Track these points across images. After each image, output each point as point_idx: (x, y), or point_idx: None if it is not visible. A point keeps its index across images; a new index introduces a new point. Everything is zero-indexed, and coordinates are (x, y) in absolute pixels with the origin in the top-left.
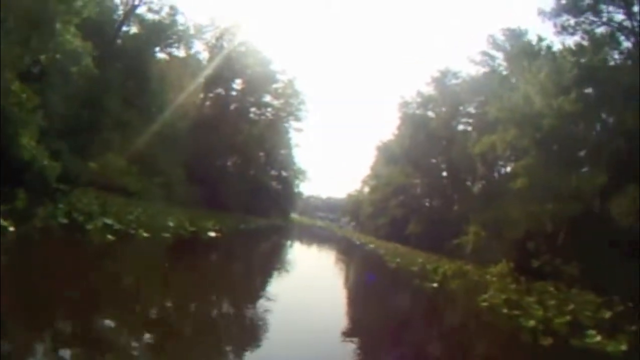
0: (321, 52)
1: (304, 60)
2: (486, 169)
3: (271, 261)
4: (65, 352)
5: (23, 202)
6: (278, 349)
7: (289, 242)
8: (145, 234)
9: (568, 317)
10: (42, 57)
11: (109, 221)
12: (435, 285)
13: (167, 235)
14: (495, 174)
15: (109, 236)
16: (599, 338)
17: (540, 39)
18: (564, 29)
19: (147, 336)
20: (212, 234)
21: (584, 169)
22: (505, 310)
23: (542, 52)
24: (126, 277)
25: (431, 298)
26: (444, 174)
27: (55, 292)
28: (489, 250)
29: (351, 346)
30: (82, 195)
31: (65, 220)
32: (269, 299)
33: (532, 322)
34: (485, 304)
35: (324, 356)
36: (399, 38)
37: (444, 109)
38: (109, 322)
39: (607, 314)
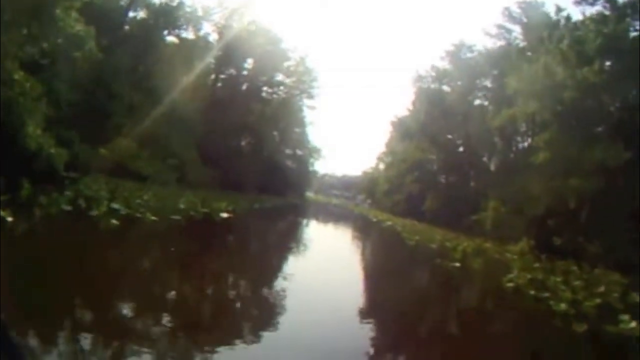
0: (334, 27)
1: (317, 37)
2: (504, 143)
3: (285, 241)
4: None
5: (28, 191)
6: (293, 331)
7: (304, 221)
8: (153, 218)
9: (598, 300)
10: (45, 45)
11: (116, 206)
12: (457, 264)
13: (176, 217)
14: (514, 149)
15: (113, 221)
16: (633, 324)
17: (559, 9)
18: None
19: (141, 325)
20: (225, 214)
21: (607, 143)
22: (532, 292)
23: (562, 23)
24: (122, 263)
25: (455, 278)
26: (461, 149)
27: (32, 284)
28: (508, 227)
29: (373, 330)
30: (92, 182)
31: (69, 208)
32: (283, 281)
33: (562, 306)
34: (510, 284)
35: (346, 342)
36: (414, 12)
37: (459, 83)
38: (91, 314)
39: (637, 297)
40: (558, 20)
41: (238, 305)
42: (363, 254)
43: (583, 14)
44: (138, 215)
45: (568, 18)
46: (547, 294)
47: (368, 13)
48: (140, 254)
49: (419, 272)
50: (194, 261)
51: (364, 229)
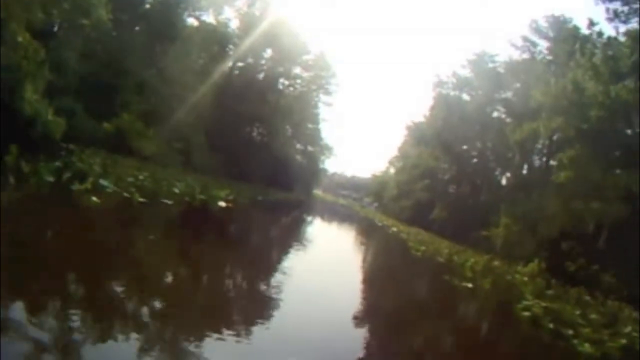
0: (352, 26)
1: (337, 34)
2: (522, 158)
3: (281, 240)
4: None
5: (13, 157)
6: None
7: (307, 219)
8: (140, 199)
9: (623, 341)
10: (55, 11)
11: (105, 182)
12: (468, 284)
13: (167, 202)
14: (532, 165)
15: (94, 198)
16: None
17: (592, 23)
18: (616, 16)
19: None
20: (223, 204)
21: (634, 168)
22: (551, 325)
23: (594, 37)
24: (65, 252)
25: (466, 301)
26: (474, 160)
27: None
28: (519, 246)
29: None
30: (89, 156)
31: (50, 179)
32: (266, 293)
33: (586, 346)
34: (527, 313)
35: None
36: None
37: (479, 92)
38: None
39: None
40: (589, 35)
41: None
42: (365, 263)
43: (616, 29)
44: (125, 194)
45: (600, 33)
46: (568, 331)
47: (389, 15)
48: (98, 242)
49: (426, 289)
50: (161, 260)
51: (368, 233)
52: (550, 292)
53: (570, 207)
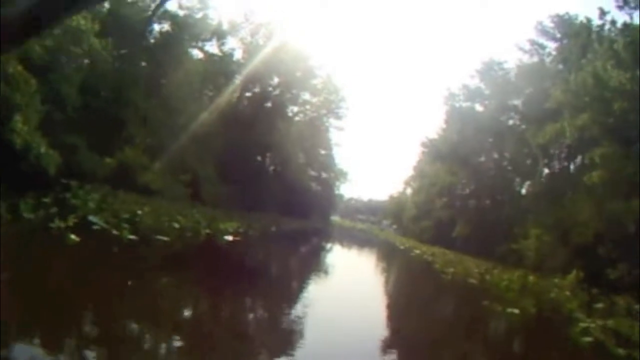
0: (361, 49)
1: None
2: (546, 164)
3: (292, 277)
4: None
5: None
6: None
7: (325, 247)
8: (130, 236)
9: None
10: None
11: (94, 219)
12: (514, 310)
13: (163, 238)
14: (557, 170)
15: (73, 236)
16: None
17: (603, 12)
18: (625, 3)
19: None
20: (230, 237)
21: None
22: (620, 351)
23: (606, 27)
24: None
25: (519, 333)
26: (493, 172)
27: None
28: (551, 257)
29: None
30: (90, 191)
31: (30, 216)
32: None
33: None
34: (587, 339)
35: None
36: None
37: (492, 101)
38: None
39: None
40: (602, 25)
41: None
42: (392, 294)
43: (630, 16)
44: (114, 232)
45: (613, 22)
46: None
47: (398, 35)
48: (36, 285)
49: (468, 322)
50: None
51: (391, 258)
52: (598, 305)
53: (606, 208)
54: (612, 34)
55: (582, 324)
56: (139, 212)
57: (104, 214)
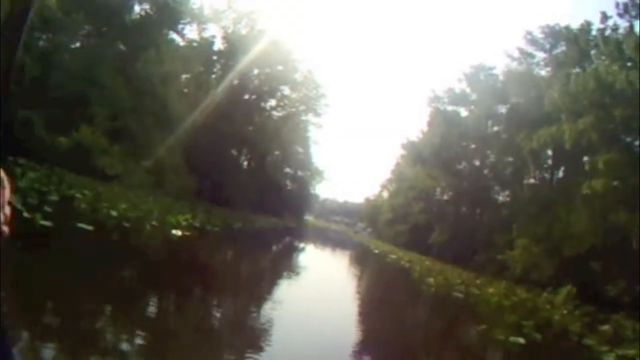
0: (340, 50)
1: (326, 55)
2: (536, 170)
3: (245, 287)
4: None
5: None
6: None
7: (293, 250)
8: (43, 222)
9: None
10: None
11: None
12: (519, 339)
13: (87, 227)
14: (547, 179)
15: None
16: None
17: (605, 16)
18: (626, 11)
19: None
20: (179, 232)
21: None
22: None
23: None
24: None
25: None
26: (474, 178)
27: None
28: (538, 269)
29: None
30: (31, 169)
31: None
32: None
33: None
34: None
35: None
36: (423, 34)
37: (478, 107)
38: None
39: None
40: (604, 29)
41: None
42: (365, 313)
43: (630, 24)
44: (25, 215)
45: (616, 27)
46: None
47: (378, 37)
48: None
49: None
50: None
51: (366, 263)
52: (604, 328)
53: (607, 219)
54: (618, 37)
55: (605, 358)
56: (78, 195)
57: (31, 194)
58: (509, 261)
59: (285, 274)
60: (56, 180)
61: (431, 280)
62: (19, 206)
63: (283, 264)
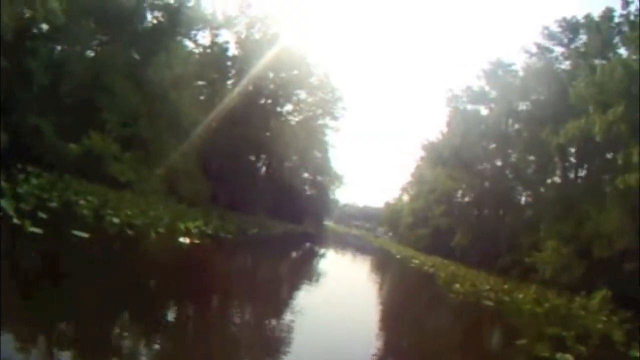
0: (355, 51)
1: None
2: (563, 168)
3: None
4: None
5: None
6: None
7: (310, 260)
8: (33, 229)
9: None
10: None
11: (2, 203)
12: (568, 357)
13: (82, 235)
14: (573, 176)
15: None
16: None
17: (627, 2)
18: None
19: None
20: (187, 240)
21: None
22: None
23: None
24: None
25: None
26: (496, 179)
27: None
28: (568, 272)
29: None
30: (37, 176)
31: None
32: None
33: None
34: None
35: None
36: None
37: (498, 105)
38: None
39: None
40: (627, 15)
41: None
42: (390, 325)
43: None
44: (15, 221)
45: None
46: None
47: (398, 39)
48: None
49: None
50: None
51: (388, 269)
52: None
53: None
54: None
55: None
56: (81, 202)
57: (29, 200)
58: (537, 263)
59: (304, 283)
60: (62, 187)
61: (458, 286)
62: (11, 212)
63: (302, 270)
